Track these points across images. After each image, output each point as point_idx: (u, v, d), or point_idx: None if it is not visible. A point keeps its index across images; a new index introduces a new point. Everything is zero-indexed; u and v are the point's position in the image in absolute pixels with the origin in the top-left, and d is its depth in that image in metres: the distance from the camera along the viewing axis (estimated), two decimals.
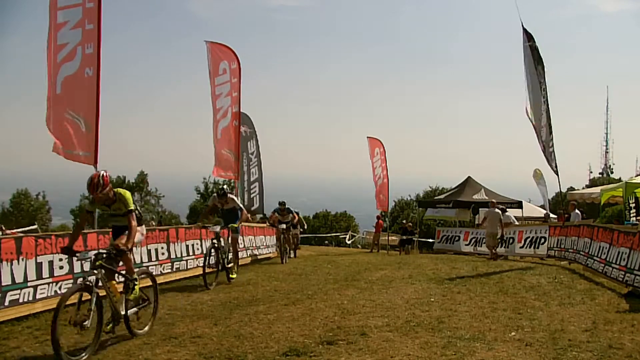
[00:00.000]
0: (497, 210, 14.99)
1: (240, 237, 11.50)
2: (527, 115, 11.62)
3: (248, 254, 12.87)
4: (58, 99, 8.27)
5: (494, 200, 16.73)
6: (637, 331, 5.56)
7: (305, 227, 21.95)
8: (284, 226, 13.89)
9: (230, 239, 9.76)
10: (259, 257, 13.48)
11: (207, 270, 8.91)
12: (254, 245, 13.41)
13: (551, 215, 22.01)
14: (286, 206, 14.76)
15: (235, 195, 10.65)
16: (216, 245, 9.13)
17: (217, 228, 9.24)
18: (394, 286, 8.82)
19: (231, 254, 9.71)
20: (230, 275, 9.57)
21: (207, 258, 8.95)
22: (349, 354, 4.84)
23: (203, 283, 8.75)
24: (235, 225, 9.67)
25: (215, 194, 9.91)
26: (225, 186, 9.12)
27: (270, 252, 14.39)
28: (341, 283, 9.37)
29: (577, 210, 14.18)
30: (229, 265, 9.56)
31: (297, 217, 15.20)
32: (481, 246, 16.87)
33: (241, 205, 10.14)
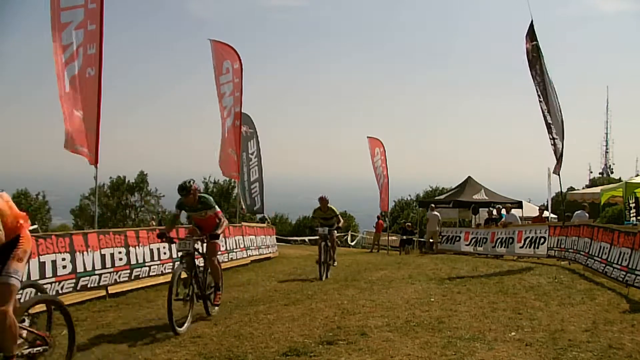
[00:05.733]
0: (435, 212, 19.03)
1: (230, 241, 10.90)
2: (543, 111, 11.66)
3: (248, 254, 12.87)
4: (67, 96, 8.31)
5: (432, 204, 20.34)
6: (637, 331, 5.56)
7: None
8: (326, 231, 10.46)
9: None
10: (259, 257, 13.49)
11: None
12: (255, 245, 13.42)
13: (551, 215, 22.00)
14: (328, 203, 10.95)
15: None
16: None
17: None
18: (394, 286, 8.82)
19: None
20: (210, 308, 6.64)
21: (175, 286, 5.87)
22: (349, 354, 4.84)
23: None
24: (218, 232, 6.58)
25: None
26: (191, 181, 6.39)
27: (270, 252, 14.41)
28: (341, 283, 9.37)
29: (585, 213, 14.26)
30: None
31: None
32: (481, 246, 16.92)
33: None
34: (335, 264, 11.51)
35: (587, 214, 14.25)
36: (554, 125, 11.74)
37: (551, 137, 11.84)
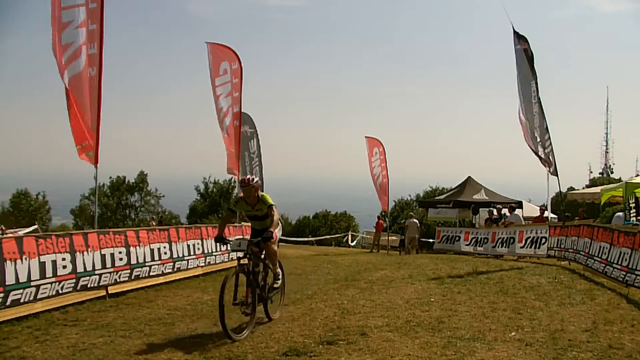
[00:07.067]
0: (414, 220, 20.14)
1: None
2: (520, 117, 11.76)
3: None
4: (69, 97, 8.29)
5: (412, 212, 23.16)
6: (637, 331, 5.57)
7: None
8: (244, 244, 5.94)
9: None
10: None
11: None
12: None
13: (552, 215, 22.00)
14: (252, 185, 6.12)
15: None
16: None
17: None
18: (394, 286, 8.82)
19: None
20: None
21: None
22: (349, 354, 4.85)
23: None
24: None
25: None
26: None
27: None
28: (341, 283, 9.37)
29: (619, 214, 14.09)
30: None
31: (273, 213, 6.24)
32: (481, 246, 16.92)
33: None
34: (283, 302, 6.86)
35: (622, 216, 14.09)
36: (539, 131, 11.85)
37: (539, 141, 11.91)
